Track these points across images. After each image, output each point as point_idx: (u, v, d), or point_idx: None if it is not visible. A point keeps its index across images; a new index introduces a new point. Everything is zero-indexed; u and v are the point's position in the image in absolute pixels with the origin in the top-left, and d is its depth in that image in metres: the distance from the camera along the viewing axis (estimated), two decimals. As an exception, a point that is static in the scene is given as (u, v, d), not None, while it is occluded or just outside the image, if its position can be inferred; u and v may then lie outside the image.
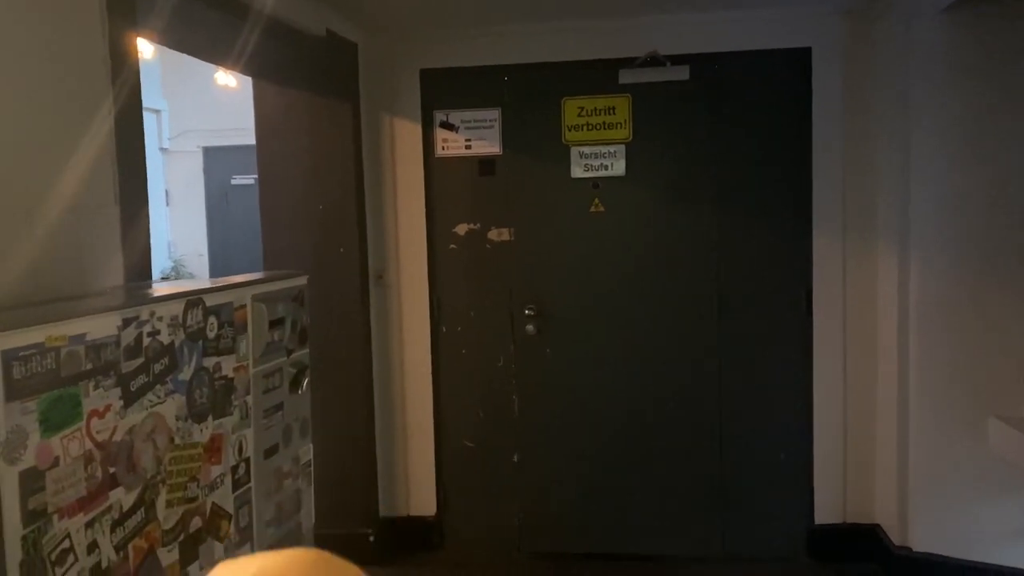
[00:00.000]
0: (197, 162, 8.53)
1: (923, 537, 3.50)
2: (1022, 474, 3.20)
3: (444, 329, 4.00)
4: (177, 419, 1.54)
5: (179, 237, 8.62)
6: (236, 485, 1.77)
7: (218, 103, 7.27)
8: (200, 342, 1.62)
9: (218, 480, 1.69)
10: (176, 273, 8.57)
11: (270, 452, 1.91)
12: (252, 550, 1.84)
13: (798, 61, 3.71)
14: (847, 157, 3.71)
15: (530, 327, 3.90)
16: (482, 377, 3.98)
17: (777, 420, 3.84)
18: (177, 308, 1.55)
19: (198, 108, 8.14)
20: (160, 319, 1.49)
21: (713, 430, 3.87)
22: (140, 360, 1.43)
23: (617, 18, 3.72)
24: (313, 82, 3.66)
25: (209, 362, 1.65)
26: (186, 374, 1.57)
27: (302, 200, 3.83)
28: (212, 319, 1.64)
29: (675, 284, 3.84)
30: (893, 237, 3.55)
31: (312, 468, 2.12)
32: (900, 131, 3.47)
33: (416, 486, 4.05)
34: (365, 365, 3.89)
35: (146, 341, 1.44)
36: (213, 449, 1.65)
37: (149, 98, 8.24)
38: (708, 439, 3.87)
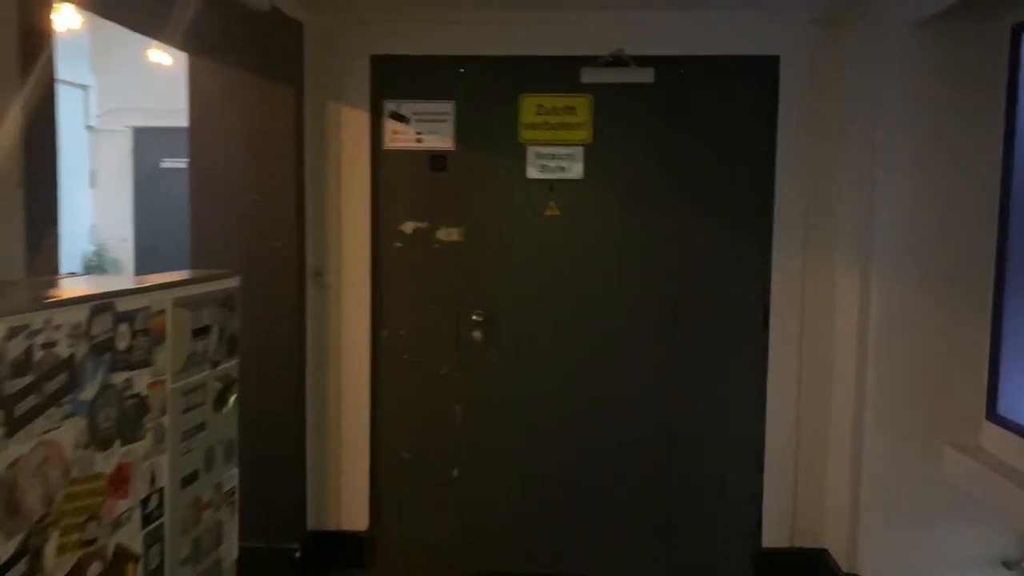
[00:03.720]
0: (126, 143, 8.28)
1: (872, 563, 3.44)
2: (976, 503, 3.14)
3: (385, 333, 3.84)
4: (76, 447, 1.29)
5: (103, 221, 8.37)
6: (146, 520, 1.51)
7: (150, 81, 7.03)
8: (108, 355, 1.36)
9: (124, 516, 1.43)
10: (98, 259, 8.31)
11: (188, 480, 1.66)
12: (163, 594, 1.59)
13: (765, 69, 3.66)
14: (811, 169, 3.67)
15: (477, 334, 3.77)
16: (424, 385, 3.84)
17: (727, 438, 3.79)
18: (80, 315, 1.29)
19: (129, 86, 7.91)
20: (58, 328, 1.23)
21: (662, 447, 3.80)
22: (29, 378, 1.17)
23: (581, 11, 3.62)
24: (254, 62, 3.48)
25: (118, 378, 1.39)
26: (89, 393, 1.31)
27: (236, 189, 3.63)
28: (124, 327, 1.39)
29: (629, 295, 3.76)
30: (855, 255, 3.51)
31: (237, 496, 1.87)
32: (866, 145, 3.42)
33: (348, 499, 3.88)
34: (298, 369, 3.71)
35: (38, 355, 1.19)
36: (119, 480, 1.40)
37: (76, 73, 7.95)
38: (657, 457, 3.80)
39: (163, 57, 6.71)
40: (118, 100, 7.98)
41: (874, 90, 3.37)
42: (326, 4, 3.61)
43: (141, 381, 1.46)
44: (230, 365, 1.80)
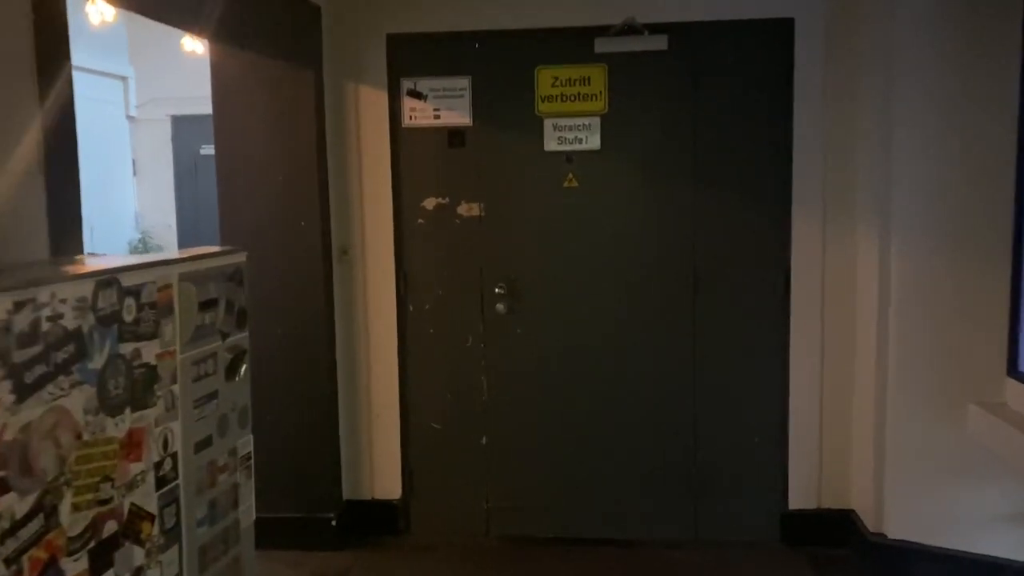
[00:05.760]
0: (165, 131, 8.38)
1: (898, 523, 3.47)
2: (1000, 462, 3.14)
3: (411, 307, 3.91)
4: (86, 413, 1.39)
5: (147, 208, 8.49)
6: (160, 483, 1.62)
7: (186, 70, 7.08)
8: (115, 326, 1.46)
9: (138, 478, 1.54)
10: (144, 245, 8.45)
11: (201, 445, 1.76)
12: (180, 552, 1.69)
13: (780, 32, 3.63)
14: (828, 133, 3.65)
15: (500, 306, 3.81)
16: (450, 357, 3.90)
17: (752, 403, 3.80)
18: (85, 289, 1.38)
19: (166, 75, 7.98)
20: (63, 302, 1.32)
21: (687, 413, 3.82)
22: (37, 348, 1.27)
23: (593, -18, 3.61)
24: (274, 46, 3.52)
25: (126, 348, 1.49)
26: (97, 362, 1.41)
27: (261, 171, 3.71)
28: (129, 301, 1.48)
29: (650, 263, 3.78)
30: (874, 218, 3.49)
31: (252, 461, 1.97)
32: (883, 108, 3.40)
33: (381, 469, 3.97)
34: (328, 344, 3.80)
35: (45, 327, 1.28)
36: (132, 444, 1.50)
37: (115, 64, 8.05)
38: (682, 422, 3.83)
39: (196, 46, 6.78)
40: (156, 90, 8.02)
41: (891, 49, 3.34)
42: (341, -14, 3.64)
43: (150, 351, 1.56)
44: (239, 337, 1.90)
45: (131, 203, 8.47)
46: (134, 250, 8.29)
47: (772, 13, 3.61)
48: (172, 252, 1.75)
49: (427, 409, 3.93)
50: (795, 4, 3.59)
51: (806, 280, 3.70)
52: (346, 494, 3.92)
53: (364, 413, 3.94)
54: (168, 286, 1.60)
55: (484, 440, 3.90)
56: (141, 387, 1.52)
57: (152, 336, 1.56)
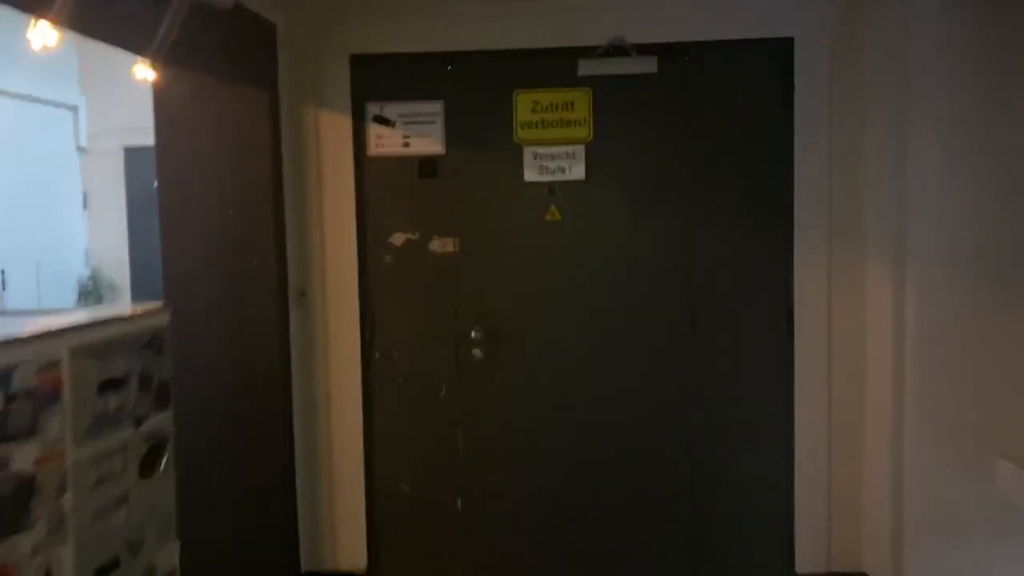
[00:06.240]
0: (118, 163, 8.10)
1: None
2: None
3: (377, 355, 3.67)
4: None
5: (98, 244, 8.19)
6: (42, 632, 1.22)
7: (140, 100, 6.78)
8: (-34, 429, 1.07)
9: (5, 631, 1.14)
10: (94, 283, 8.13)
11: (105, 570, 1.36)
12: None
13: (779, 52, 3.50)
14: (833, 160, 3.49)
15: (477, 352, 3.61)
16: (421, 410, 3.68)
17: (754, 458, 3.62)
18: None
19: (119, 105, 7.71)
20: None
21: (683, 469, 3.62)
22: None
23: (576, -1, 3.48)
24: (224, 67, 3.27)
25: (-14, 456, 1.10)
26: (-63, 480, 1.02)
27: (209, 205, 3.47)
28: (-9, 391, 1.09)
29: (641, 304, 3.60)
30: (886, 251, 3.31)
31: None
32: (896, 130, 3.21)
33: (344, 537, 3.69)
34: (283, 397, 3.54)
35: None
36: (-7, 587, 1.10)
37: (65, 93, 7.73)
38: (677, 479, 3.63)
39: (148, 73, 6.49)
40: (109, 119, 7.85)
41: (903, 70, 3.16)
42: (300, 1, 3.45)
43: (25, 456, 1.16)
44: (159, 419, 1.50)
45: (81, 238, 8.17)
46: (84, 288, 7.99)
47: (769, 32, 3.48)
48: (65, 315, 1.36)
49: (396, 469, 3.68)
50: (794, 22, 3.46)
51: (811, 319, 3.52)
52: (305, 566, 3.63)
53: (325, 474, 3.66)
54: (54, 365, 1.21)
55: (459, 503, 3.65)
56: (10, 506, 1.13)
57: (28, 435, 1.16)
